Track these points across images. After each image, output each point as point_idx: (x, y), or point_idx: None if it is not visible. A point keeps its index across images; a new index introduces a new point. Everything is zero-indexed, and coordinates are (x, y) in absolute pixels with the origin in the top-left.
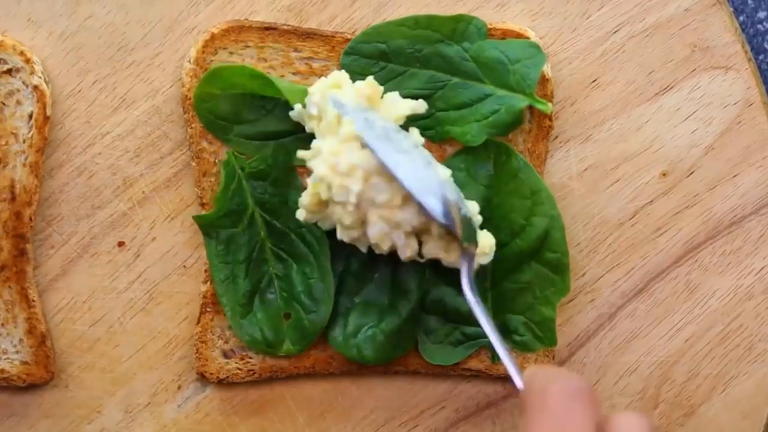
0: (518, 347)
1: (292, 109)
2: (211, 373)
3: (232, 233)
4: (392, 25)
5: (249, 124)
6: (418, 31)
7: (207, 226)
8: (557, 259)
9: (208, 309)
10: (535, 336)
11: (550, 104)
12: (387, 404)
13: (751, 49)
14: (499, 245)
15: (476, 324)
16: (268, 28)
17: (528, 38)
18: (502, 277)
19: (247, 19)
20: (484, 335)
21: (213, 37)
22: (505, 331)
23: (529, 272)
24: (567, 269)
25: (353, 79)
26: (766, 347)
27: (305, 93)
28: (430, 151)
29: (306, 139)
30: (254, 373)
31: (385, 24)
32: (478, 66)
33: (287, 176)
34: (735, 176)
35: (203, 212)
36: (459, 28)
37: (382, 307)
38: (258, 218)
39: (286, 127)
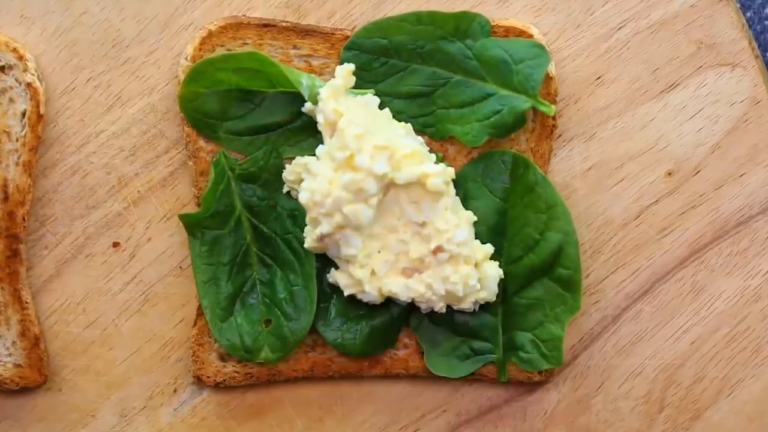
0: (523, 364)
1: (282, 100)
2: (208, 377)
3: (218, 235)
4: (394, 20)
5: (237, 120)
6: (421, 27)
7: (192, 226)
8: (569, 275)
9: None
10: (541, 354)
11: (553, 107)
12: (387, 408)
13: (759, 46)
14: (513, 259)
15: (485, 339)
16: (267, 25)
17: (531, 35)
18: (513, 292)
19: (245, 15)
20: (492, 350)
21: (210, 34)
22: (512, 348)
23: (541, 288)
24: (579, 287)
25: (354, 74)
26: None
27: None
28: (431, 148)
29: (297, 130)
30: (252, 377)
31: (386, 19)
32: (481, 64)
33: (277, 180)
34: (742, 175)
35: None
36: (462, 25)
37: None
38: (245, 221)
39: (275, 120)
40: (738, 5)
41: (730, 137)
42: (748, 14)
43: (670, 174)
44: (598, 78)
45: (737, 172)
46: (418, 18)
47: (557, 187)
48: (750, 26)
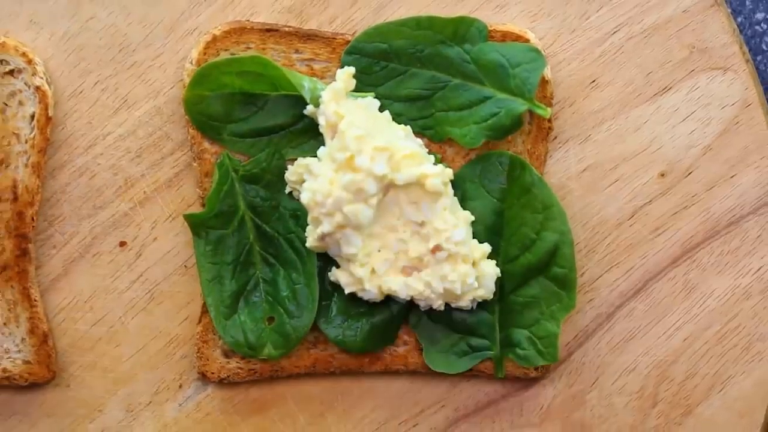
0: (520, 361)
1: (285, 102)
2: (213, 373)
3: (222, 234)
4: (394, 25)
5: (241, 123)
6: (420, 31)
7: (197, 226)
8: (565, 274)
9: None
10: (537, 351)
11: (549, 109)
12: (387, 403)
13: (749, 50)
14: (509, 259)
15: (482, 336)
16: (270, 30)
17: (528, 40)
18: (510, 291)
19: (248, 20)
20: (489, 347)
21: (214, 38)
22: (509, 344)
23: (537, 287)
24: (574, 285)
25: (355, 77)
26: (764, 346)
27: (315, 87)
28: (430, 150)
29: (300, 132)
30: (255, 373)
31: (386, 24)
32: (479, 68)
33: (280, 181)
34: (733, 176)
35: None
36: (460, 29)
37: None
38: (248, 221)
39: (278, 122)
40: (729, 10)
41: (722, 139)
42: (739, 19)
43: (663, 175)
44: (593, 81)
45: (728, 173)
46: (418, 23)
47: (553, 188)
48: (741, 31)
